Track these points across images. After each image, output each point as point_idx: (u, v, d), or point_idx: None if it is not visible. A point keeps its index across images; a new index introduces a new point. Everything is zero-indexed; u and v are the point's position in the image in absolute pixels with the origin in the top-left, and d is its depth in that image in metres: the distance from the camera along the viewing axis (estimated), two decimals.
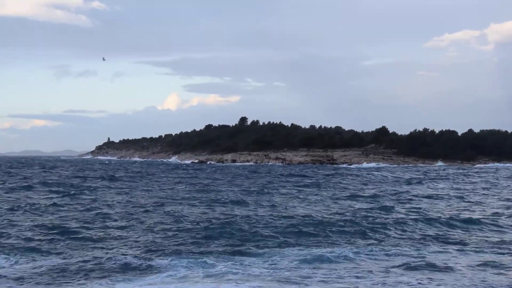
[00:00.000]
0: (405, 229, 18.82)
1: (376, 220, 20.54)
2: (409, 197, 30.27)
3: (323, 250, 14.84)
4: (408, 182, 45.27)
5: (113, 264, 13.13)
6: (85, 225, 19.30)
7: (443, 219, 20.74)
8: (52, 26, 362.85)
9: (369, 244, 15.99)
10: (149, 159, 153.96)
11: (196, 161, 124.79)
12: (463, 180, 49.14)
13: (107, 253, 14.52)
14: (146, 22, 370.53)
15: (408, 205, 26.18)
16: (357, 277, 12.00)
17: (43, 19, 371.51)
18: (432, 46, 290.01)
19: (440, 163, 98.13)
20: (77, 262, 13.37)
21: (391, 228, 18.80)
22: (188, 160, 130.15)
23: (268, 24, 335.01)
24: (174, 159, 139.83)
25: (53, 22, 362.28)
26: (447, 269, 12.76)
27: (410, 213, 22.88)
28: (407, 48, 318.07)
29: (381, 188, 37.64)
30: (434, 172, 66.79)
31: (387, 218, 21.19)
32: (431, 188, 37.93)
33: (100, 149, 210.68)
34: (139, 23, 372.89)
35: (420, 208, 24.82)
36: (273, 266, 13.08)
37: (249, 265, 13.10)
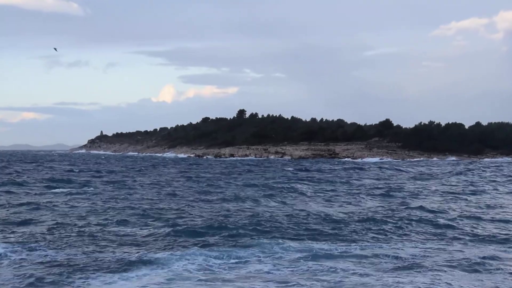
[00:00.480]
0: (419, 226, 18.55)
1: (388, 217, 20.32)
2: (425, 193, 29.95)
3: (330, 247, 14.68)
4: (420, 177, 44.75)
5: (111, 259, 13.18)
6: (84, 220, 19.29)
7: (457, 216, 20.70)
8: (42, 14, 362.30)
9: (378, 241, 15.84)
10: (144, 153, 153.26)
11: (193, 155, 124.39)
12: (478, 174, 48.65)
13: (104, 248, 14.60)
14: (139, 10, 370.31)
15: (423, 202, 25.71)
16: (362, 275, 11.82)
17: (33, 7, 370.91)
18: (438, 35, 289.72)
19: (452, 158, 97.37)
20: (75, 257, 13.41)
21: (404, 225, 18.58)
22: (184, 154, 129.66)
23: (267, 13, 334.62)
24: (170, 153, 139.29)
25: (43, 10, 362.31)
26: (452, 267, 12.61)
27: (424, 211, 22.42)
28: (412, 37, 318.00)
29: (394, 184, 37.28)
30: (446, 166, 66.25)
31: (399, 215, 20.95)
32: (445, 184, 37.44)
33: (92, 143, 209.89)
34: (132, 11, 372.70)
35: (435, 205, 24.56)
36: (276, 262, 12.96)
37: (249, 261, 13.03)
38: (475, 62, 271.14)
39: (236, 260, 13.10)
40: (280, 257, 13.42)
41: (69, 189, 30.82)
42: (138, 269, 12.21)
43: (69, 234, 16.51)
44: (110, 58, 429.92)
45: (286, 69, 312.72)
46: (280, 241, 15.41)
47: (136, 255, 13.53)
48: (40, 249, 14.26)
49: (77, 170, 52.95)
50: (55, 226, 17.87)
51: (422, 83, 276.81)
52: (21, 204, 23.22)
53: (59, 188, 31.88)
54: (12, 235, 16.21)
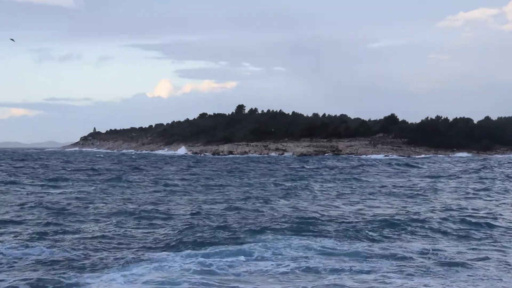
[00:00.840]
0: (432, 224, 18.18)
1: (399, 215, 20.05)
2: (438, 191, 29.59)
3: (336, 245, 14.50)
4: (432, 174, 44.44)
5: (109, 257, 13.21)
6: (82, 219, 19.32)
7: (473, 214, 20.57)
8: (32, 6, 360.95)
9: (388, 240, 15.66)
10: (139, 151, 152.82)
11: (190, 152, 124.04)
12: (493, 171, 48.36)
13: (102, 247, 14.64)
14: (134, 1, 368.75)
15: (436, 200, 25.48)
16: (368, 274, 11.67)
17: None
18: (446, 26, 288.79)
19: (461, 154, 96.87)
20: (72, 256, 13.46)
21: (416, 223, 18.25)
22: (181, 151, 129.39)
23: (267, 3, 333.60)
24: (166, 150, 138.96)
25: (33, 1, 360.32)
26: (466, 268, 12.36)
27: (437, 209, 22.06)
28: (417, 29, 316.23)
29: (405, 181, 37.06)
30: (457, 163, 65.79)
31: (411, 213, 20.70)
32: (460, 181, 37.04)
33: (85, 140, 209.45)
34: (127, 2, 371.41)
35: (450, 202, 24.31)
36: (279, 258, 12.94)
37: (251, 260, 12.95)
38: (484, 54, 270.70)
39: (238, 259, 13.00)
40: (283, 255, 13.33)
41: (65, 188, 30.76)
42: (137, 268, 12.17)
43: (66, 233, 16.49)
44: (103, 51, 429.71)
45: (286, 62, 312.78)
46: (285, 239, 15.31)
47: (135, 254, 13.52)
48: (36, 248, 14.20)
49: (72, 168, 52.78)
50: (51, 225, 17.84)
51: (428, 76, 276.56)
52: (17, 203, 23.17)
53: (55, 186, 31.82)
54: (8, 235, 16.16)
